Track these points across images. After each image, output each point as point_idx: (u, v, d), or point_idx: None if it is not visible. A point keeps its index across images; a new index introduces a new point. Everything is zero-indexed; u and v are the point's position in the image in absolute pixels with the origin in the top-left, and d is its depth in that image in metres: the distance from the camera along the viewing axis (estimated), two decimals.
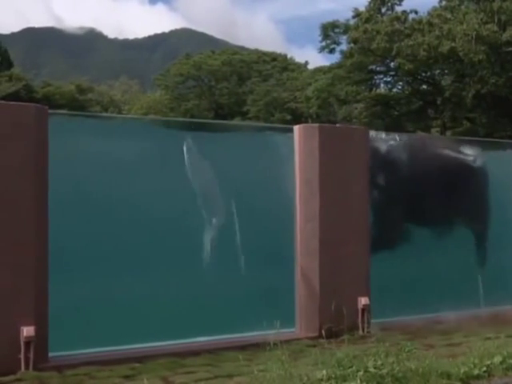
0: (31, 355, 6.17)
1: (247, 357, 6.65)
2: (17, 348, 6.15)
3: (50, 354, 6.45)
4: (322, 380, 5.35)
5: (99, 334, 6.74)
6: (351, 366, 5.53)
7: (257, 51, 61.11)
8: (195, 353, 6.93)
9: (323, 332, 7.24)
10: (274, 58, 58.46)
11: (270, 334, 6.24)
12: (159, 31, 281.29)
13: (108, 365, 6.38)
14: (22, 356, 6.16)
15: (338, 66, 40.91)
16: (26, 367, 6.16)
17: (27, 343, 6.17)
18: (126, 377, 6.08)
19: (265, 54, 59.65)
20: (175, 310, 7.22)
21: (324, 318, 7.76)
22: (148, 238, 7.35)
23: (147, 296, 7.12)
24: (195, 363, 6.60)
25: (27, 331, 6.18)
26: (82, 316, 6.71)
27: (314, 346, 7.33)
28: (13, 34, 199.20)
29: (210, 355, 6.91)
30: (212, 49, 63.31)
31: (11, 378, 5.98)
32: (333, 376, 5.37)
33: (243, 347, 7.08)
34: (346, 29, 39.12)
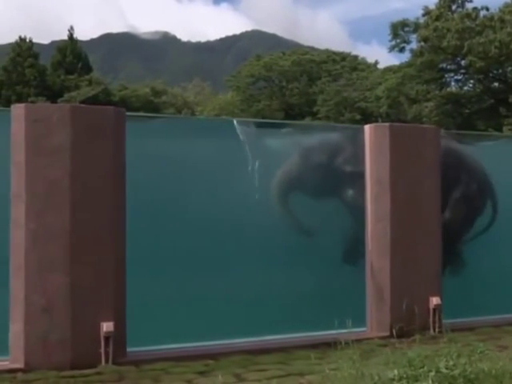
0: (110, 350, 6.31)
1: (318, 355, 6.61)
2: (97, 343, 6.29)
3: (128, 349, 6.56)
4: (393, 380, 5.25)
5: (175, 331, 6.81)
6: (423, 367, 5.41)
7: (327, 51, 60.63)
8: (267, 351, 6.93)
9: (394, 332, 7.15)
10: (343, 57, 57.95)
11: (341, 333, 6.20)
12: (230, 33, 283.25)
13: (183, 361, 6.46)
14: (102, 350, 6.29)
15: (408, 64, 40.30)
16: (106, 361, 6.29)
17: (107, 338, 6.30)
18: (201, 373, 6.14)
19: (334, 53, 59.17)
20: (248, 308, 7.25)
21: (395, 317, 7.65)
22: (223, 236, 7.39)
23: (222, 294, 7.17)
24: (267, 361, 6.60)
25: (107, 327, 6.31)
26: (159, 313, 6.80)
27: (385, 345, 7.24)
28: (92, 40, 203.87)
29: (281, 353, 6.90)
30: (282, 50, 63.25)
31: (92, 371, 6.12)
32: (404, 376, 5.27)
33: (314, 346, 7.04)
34: (416, 27, 38.49)
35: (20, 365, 6.15)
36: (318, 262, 7.98)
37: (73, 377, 5.93)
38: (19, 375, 6.00)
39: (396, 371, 5.33)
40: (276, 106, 54.79)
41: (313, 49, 70.14)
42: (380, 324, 7.80)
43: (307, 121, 44.04)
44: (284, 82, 56.60)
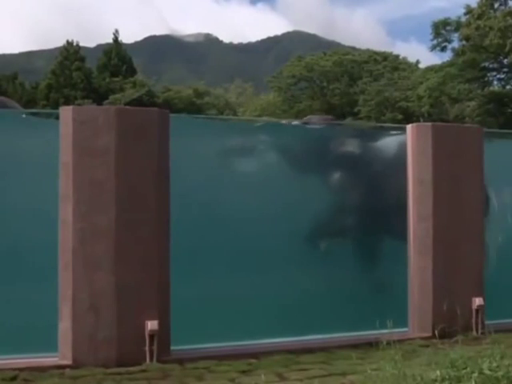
0: (155, 348, 6.37)
1: (360, 355, 6.57)
2: (142, 341, 6.36)
3: (172, 348, 6.60)
4: (435, 381, 5.18)
5: (218, 330, 6.83)
6: (465, 368, 5.32)
7: (368, 51, 60.22)
8: (309, 350, 6.91)
9: (436, 332, 7.06)
10: (385, 57, 57.48)
11: (382, 333, 6.14)
12: (271, 34, 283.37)
13: (226, 359, 6.48)
14: (146, 348, 6.35)
15: (450, 64, 39.82)
16: (151, 359, 6.35)
17: (151, 336, 6.36)
18: (243, 372, 6.15)
19: (376, 53, 58.74)
20: (290, 307, 7.24)
21: (437, 318, 7.56)
22: (265, 236, 7.39)
23: (264, 293, 7.17)
24: (309, 360, 6.58)
25: (151, 325, 6.36)
26: (202, 311, 6.83)
27: (427, 346, 7.16)
28: (136, 43, 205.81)
29: (323, 353, 6.88)
30: (323, 50, 63.01)
31: (137, 368, 6.18)
32: (447, 377, 5.19)
33: (356, 346, 7.00)
34: (458, 26, 38.02)
35: (68, 361, 6.25)
36: (360, 261, 7.93)
37: (119, 374, 6.00)
38: (67, 371, 6.10)
39: (438, 372, 5.26)
40: (317, 107, 54.57)
41: (354, 49, 69.72)
42: (422, 324, 7.72)
43: (348, 121, 43.77)
44: (325, 82, 56.39)
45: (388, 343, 6.01)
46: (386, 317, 6.15)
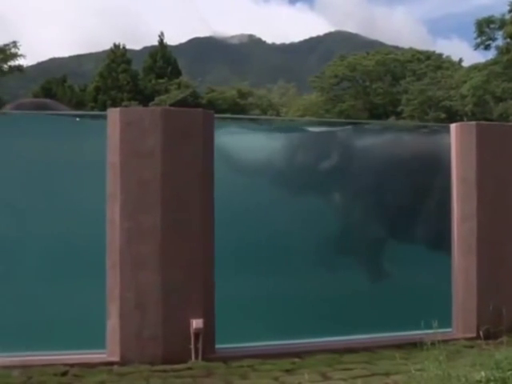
0: (200, 346, 6.41)
1: (404, 355, 6.49)
2: (187, 339, 6.40)
3: (217, 346, 6.63)
4: (480, 382, 5.09)
5: (262, 329, 6.83)
6: (511, 369, 5.23)
7: (411, 50, 59.54)
8: (352, 350, 6.88)
9: (481, 333, 6.95)
10: (428, 56, 56.76)
11: (426, 333, 6.07)
12: (314, 34, 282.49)
13: (270, 358, 6.49)
14: (192, 347, 6.39)
15: (494, 62, 39.10)
16: (196, 357, 6.40)
17: (196, 335, 6.40)
18: (287, 371, 6.15)
19: (419, 52, 58.05)
20: (334, 307, 7.20)
21: (482, 318, 7.44)
22: (310, 235, 7.35)
23: (308, 293, 7.15)
24: (352, 360, 6.55)
25: (196, 323, 6.40)
26: (246, 310, 6.84)
27: (472, 346, 7.05)
28: (180, 45, 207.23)
29: (366, 353, 6.84)
30: (365, 50, 62.53)
31: (182, 366, 6.24)
32: (492, 378, 5.10)
33: (400, 346, 6.94)
34: (502, 24, 37.31)
35: (116, 358, 6.33)
36: (404, 262, 7.85)
37: (164, 371, 6.05)
38: (115, 368, 6.17)
39: (483, 373, 5.17)
40: (360, 106, 54.20)
41: (396, 48, 69.02)
42: (466, 325, 7.61)
43: (391, 120, 43.38)
44: (368, 81, 55.94)
45: (432, 343, 5.93)
46: (430, 317, 6.07)
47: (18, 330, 6.35)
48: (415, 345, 6.47)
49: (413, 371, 5.44)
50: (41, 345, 6.33)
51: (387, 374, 5.96)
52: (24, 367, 6.10)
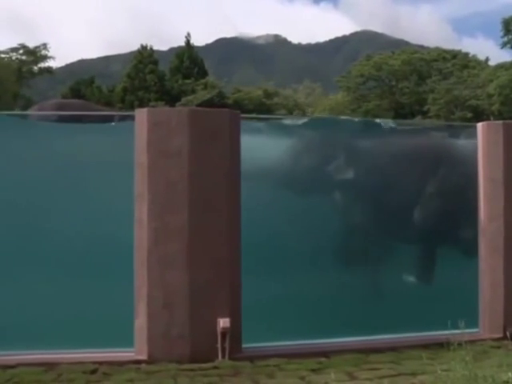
0: (227, 345, 6.40)
1: (430, 356, 6.43)
2: (214, 338, 6.40)
3: (243, 345, 6.63)
4: (507, 382, 5.04)
5: (288, 328, 6.82)
6: None
7: (437, 49, 59.08)
8: (379, 350, 6.83)
9: (507, 333, 6.86)
10: (454, 55, 56.31)
11: (453, 333, 6.02)
12: (340, 34, 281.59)
13: (296, 358, 6.46)
14: (218, 346, 6.39)
15: None
16: (223, 356, 6.39)
17: (223, 334, 6.40)
18: (313, 370, 6.12)
19: (445, 51, 57.60)
20: (360, 306, 7.17)
21: (509, 318, 7.36)
22: (338, 235, 7.36)
23: (335, 292, 7.13)
24: (379, 360, 6.50)
25: (223, 322, 6.40)
26: (273, 310, 6.83)
27: (498, 347, 6.97)
28: (207, 45, 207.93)
29: (393, 353, 6.79)
30: (391, 49, 62.21)
31: (209, 365, 6.24)
32: None
33: (426, 346, 6.87)
34: None
35: (144, 356, 6.36)
36: (430, 262, 7.79)
37: (191, 370, 6.06)
38: (143, 366, 6.20)
39: (510, 374, 5.12)
40: (386, 106, 53.93)
41: (422, 47, 68.57)
42: (493, 325, 7.52)
43: (418, 120, 43.09)
44: (394, 81, 55.65)
45: (459, 344, 5.88)
46: (456, 317, 6.02)
47: (48, 328, 6.41)
48: (442, 345, 6.41)
49: (439, 371, 5.39)
50: (70, 343, 6.38)
51: (414, 374, 5.91)
52: (53, 365, 6.16)
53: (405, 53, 57.12)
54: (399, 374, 5.97)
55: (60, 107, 9.68)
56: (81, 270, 6.61)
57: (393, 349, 6.92)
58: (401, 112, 52.08)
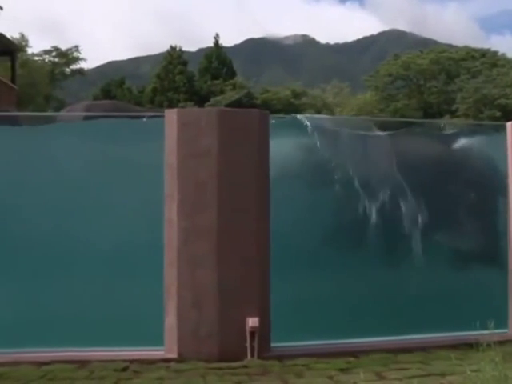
0: (255, 344, 6.39)
1: (459, 356, 6.37)
2: (243, 337, 6.40)
3: (272, 344, 6.61)
4: None
5: (317, 328, 6.79)
6: None
7: (465, 48, 58.43)
8: (407, 350, 6.76)
9: None
10: (482, 54, 55.64)
11: (482, 334, 5.94)
12: (368, 34, 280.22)
13: (325, 357, 6.43)
14: (247, 345, 6.39)
15: None
16: (251, 355, 6.39)
17: (252, 333, 6.39)
18: (342, 370, 6.08)
19: (474, 50, 56.95)
20: (389, 306, 7.10)
21: None
22: (366, 234, 7.31)
23: (364, 292, 7.08)
24: (407, 360, 6.43)
25: (252, 322, 6.39)
26: (301, 309, 6.81)
27: None
28: (235, 46, 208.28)
29: (421, 352, 6.72)
30: (419, 48, 61.70)
31: (239, 364, 6.24)
32: None
33: (455, 346, 6.80)
34: None
35: (173, 355, 6.37)
36: (459, 262, 7.69)
37: (220, 369, 6.06)
38: (172, 364, 6.22)
39: None
40: (414, 105, 53.49)
41: (450, 46, 67.88)
42: None
43: (446, 119, 42.67)
44: (422, 80, 55.18)
45: (488, 344, 5.80)
46: (485, 317, 5.94)
47: (81, 326, 6.48)
48: (471, 345, 6.33)
49: (468, 372, 5.32)
50: (102, 341, 6.44)
51: (443, 375, 5.85)
52: (86, 362, 6.21)
53: (433, 52, 56.62)
54: (428, 375, 5.91)
55: (89, 109, 9.77)
56: (113, 269, 6.67)
57: (421, 349, 6.85)
58: (429, 111, 51.62)
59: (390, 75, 55.52)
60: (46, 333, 6.48)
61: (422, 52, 57.17)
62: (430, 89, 54.14)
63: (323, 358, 6.42)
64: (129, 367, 6.13)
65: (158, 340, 6.47)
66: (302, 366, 6.21)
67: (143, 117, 8.07)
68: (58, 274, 6.65)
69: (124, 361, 6.24)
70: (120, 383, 5.69)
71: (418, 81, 55.47)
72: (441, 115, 48.60)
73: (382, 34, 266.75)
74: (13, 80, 31.25)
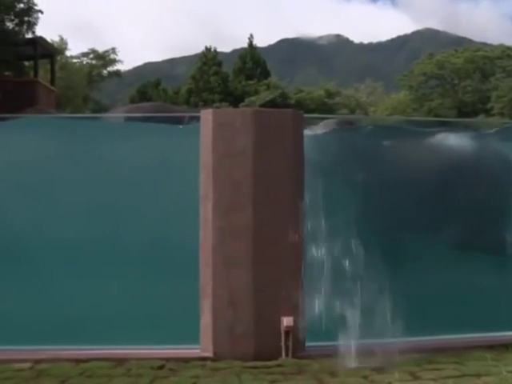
0: (290, 344, 6.34)
1: (494, 357, 6.24)
2: (278, 336, 6.35)
3: (307, 344, 6.56)
4: None
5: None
6: None
7: (500, 46, 57.61)
8: (441, 350, 6.63)
9: None
10: None
11: None
12: (401, 33, 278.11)
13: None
14: (282, 344, 6.34)
15: None
16: (286, 355, 6.33)
17: (287, 332, 6.34)
18: (377, 369, 5.99)
19: (509, 48, 56.12)
20: (424, 306, 7.01)
21: None
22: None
23: (397, 292, 6.99)
24: (442, 360, 6.30)
25: (287, 321, 6.34)
26: (334, 308, 6.75)
27: None
28: (269, 46, 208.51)
29: (456, 353, 6.56)
30: (454, 47, 61.07)
31: (273, 363, 6.18)
32: None
33: (490, 347, 6.64)
34: None
35: (209, 354, 6.36)
36: (493, 261, 7.57)
37: (255, 367, 6.03)
38: (208, 363, 6.21)
39: None
40: (448, 104, 52.95)
41: (485, 44, 67.08)
42: None
43: (481, 118, 42.13)
44: (456, 79, 54.61)
45: None
46: None
47: (118, 324, 6.52)
48: (506, 346, 6.25)
49: (504, 373, 5.24)
50: (139, 339, 6.46)
51: (478, 376, 5.71)
52: (123, 360, 6.24)
53: (467, 51, 56.01)
54: (463, 375, 5.78)
55: (130, 111, 9.90)
56: (150, 268, 6.70)
57: (456, 349, 6.72)
58: (464, 111, 51.05)
59: (424, 74, 55.06)
60: (85, 330, 6.53)
61: (456, 51, 56.58)
62: (464, 88, 53.58)
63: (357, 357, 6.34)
64: (165, 365, 6.13)
65: (193, 339, 6.47)
66: (337, 365, 6.13)
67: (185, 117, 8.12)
68: (97, 272, 6.70)
69: (160, 359, 6.25)
70: (157, 381, 5.70)
71: (453, 80, 54.94)
72: (475, 114, 48.02)
73: (415, 33, 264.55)
74: (52, 82, 31.75)
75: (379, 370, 6.01)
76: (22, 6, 28.02)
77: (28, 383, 5.66)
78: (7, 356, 6.34)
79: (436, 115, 46.63)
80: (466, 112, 50.11)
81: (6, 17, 27.50)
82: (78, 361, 6.25)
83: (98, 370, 6.01)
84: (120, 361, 6.23)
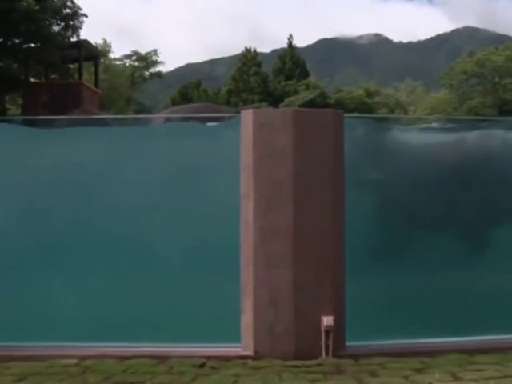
0: (330, 343, 6.28)
1: None
2: (318, 336, 6.30)
3: (347, 343, 6.50)
4: None
5: (392, 327, 6.64)
6: None
7: None
8: (483, 350, 6.49)
9: None
10: None
11: None
12: (441, 31, 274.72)
13: (399, 357, 6.26)
14: (322, 343, 6.29)
15: None
16: (326, 354, 6.28)
17: (327, 332, 6.28)
18: (417, 370, 5.90)
19: None
20: (465, 306, 6.88)
21: None
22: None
23: (438, 291, 6.90)
24: (484, 361, 6.18)
25: (327, 320, 6.29)
26: (376, 308, 6.68)
27: None
28: (308, 46, 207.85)
29: (498, 354, 6.42)
30: (494, 45, 59.98)
31: (313, 362, 6.14)
32: None
33: None
34: None
35: (250, 352, 6.34)
36: None
37: (296, 367, 5.99)
38: (249, 362, 6.19)
39: None
40: (489, 103, 52.03)
41: None
42: None
43: None
44: (497, 77, 53.60)
45: None
46: None
47: (161, 323, 6.56)
48: None
49: None
50: (181, 337, 6.48)
51: None
52: (165, 358, 6.26)
53: (508, 48, 54.87)
54: (505, 376, 5.66)
55: (174, 112, 10.04)
56: (193, 268, 6.72)
57: (498, 350, 6.58)
58: (504, 109, 50.08)
59: (464, 73, 54.16)
60: (129, 328, 6.58)
61: (497, 49, 55.53)
62: (505, 86, 52.54)
63: (398, 357, 6.25)
64: (206, 363, 6.13)
65: (234, 337, 6.45)
66: (377, 365, 6.05)
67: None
68: (140, 272, 6.76)
69: (201, 357, 6.25)
70: (198, 379, 5.71)
71: (493, 78, 53.91)
72: None
73: (455, 32, 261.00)
74: (96, 84, 32.15)
75: (420, 370, 5.92)
76: (68, 10, 28.44)
77: (74, 379, 5.74)
78: (55, 352, 6.44)
79: (476, 114, 45.87)
80: (507, 110, 49.14)
81: (52, 21, 27.95)
82: (122, 358, 6.31)
83: (141, 367, 6.06)
84: (162, 358, 6.25)
